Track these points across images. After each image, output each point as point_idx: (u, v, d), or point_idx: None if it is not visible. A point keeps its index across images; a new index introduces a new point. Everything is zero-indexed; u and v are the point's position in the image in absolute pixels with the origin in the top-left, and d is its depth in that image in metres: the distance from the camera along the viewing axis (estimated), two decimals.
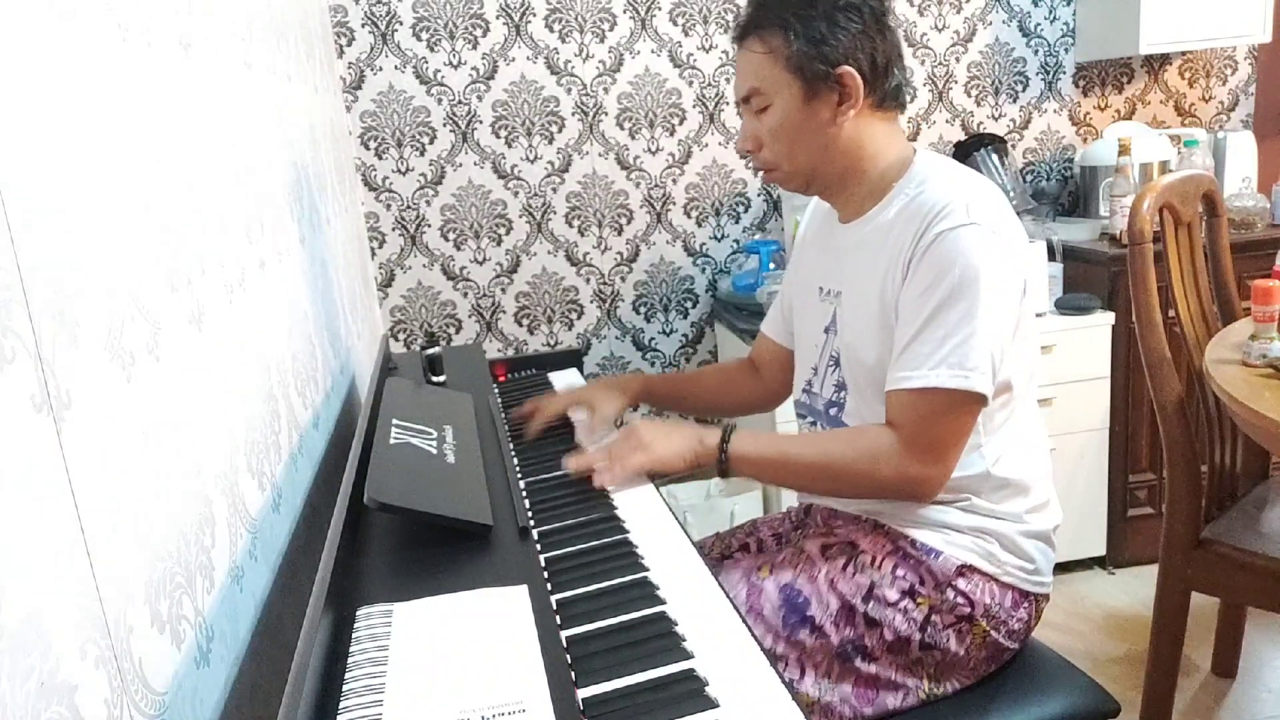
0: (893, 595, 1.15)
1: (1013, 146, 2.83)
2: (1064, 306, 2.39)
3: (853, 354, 1.21)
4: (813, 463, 1.17)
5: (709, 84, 2.65)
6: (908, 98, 1.22)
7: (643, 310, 2.76)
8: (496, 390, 1.63)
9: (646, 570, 0.94)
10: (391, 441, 1.10)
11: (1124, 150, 2.43)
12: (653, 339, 2.78)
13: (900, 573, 1.16)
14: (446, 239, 2.62)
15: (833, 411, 1.27)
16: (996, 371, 1.09)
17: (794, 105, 1.16)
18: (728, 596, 0.89)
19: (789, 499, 1.92)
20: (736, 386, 1.54)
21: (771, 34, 1.16)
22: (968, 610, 1.16)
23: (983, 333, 1.07)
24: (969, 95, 2.80)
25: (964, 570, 1.16)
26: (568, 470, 1.19)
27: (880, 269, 1.16)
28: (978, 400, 1.09)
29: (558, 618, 0.84)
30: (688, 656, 0.78)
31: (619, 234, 2.70)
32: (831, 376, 1.27)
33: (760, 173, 1.27)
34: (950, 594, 1.16)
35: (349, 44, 2.48)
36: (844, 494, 1.27)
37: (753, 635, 0.82)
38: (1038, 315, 2.32)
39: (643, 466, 1.16)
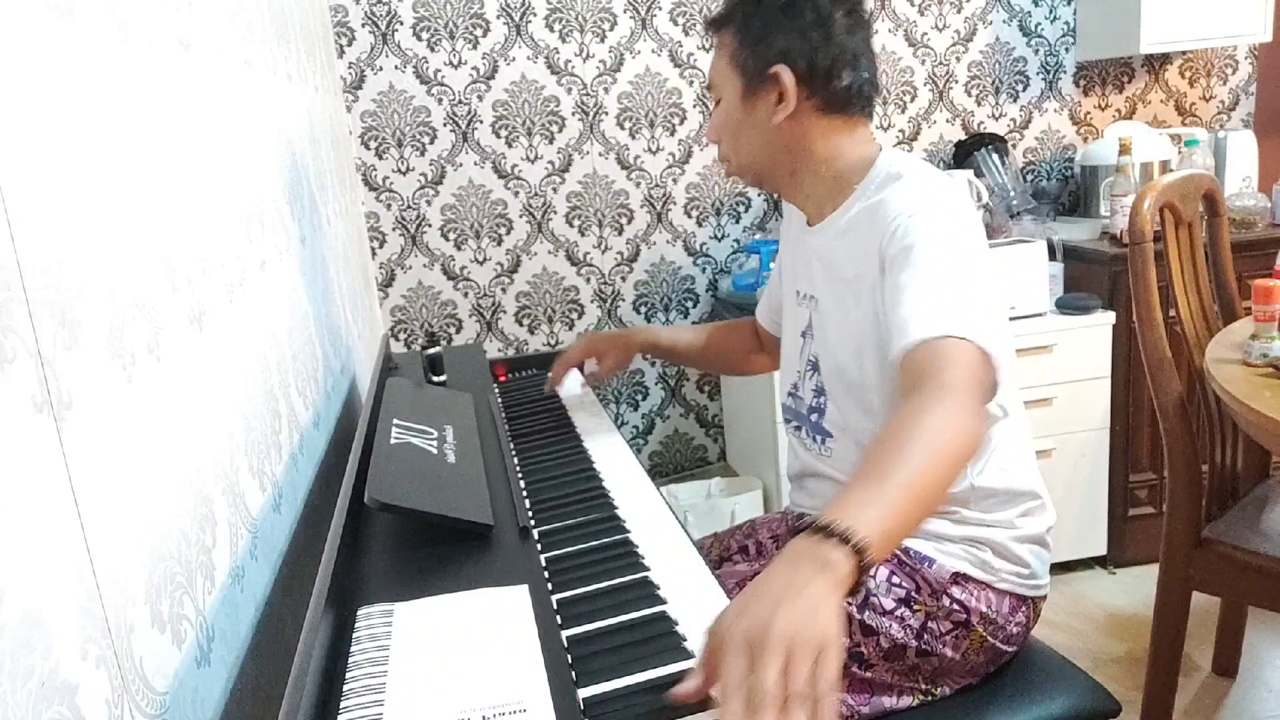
0: (889, 603, 1.14)
1: (1013, 146, 2.83)
2: (1064, 306, 2.39)
3: (830, 360, 1.21)
4: (928, 467, 0.85)
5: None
6: (871, 100, 1.18)
7: (643, 310, 2.76)
8: (497, 390, 1.63)
9: (647, 570, 0.94)
10: (392, 441, 1.10)
11: (1124, 150, 2.43)
12: None
13: (895, 580, 1.15)
14: (447, 239, 2.63)
15: (814, 417, 1.26)
16: (995, 330, 0.99)
17: (734, 101, 1.19)
18: (729, 598, 0.89)
19: (787, 499, 1.92)
20: (740, 349, 1.56)
21: (725, 31, 1.20)
22: (964, 617, 1.15)
23: (972, 286, 1.00)
24: (969, 95, 2.80)
25: (958, 578, 1.15)
26: None
27: (848, 276, 1.15)
28: (985, 357, 0.96)
29: (558, 618, 0.84)
30: (688, 656, 0.78)
31: (619, 234, 2.70)
32: (810, 381, 1.26)
33: (724, 165, 1.29)
34: (946, 601, 1.15)
35: (349, 44, 2.48)
36: (957, 475, 0.95)
37: None
38: (1037, 315, 2.34)
39: (836, 666, 0.68)
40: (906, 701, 1.15)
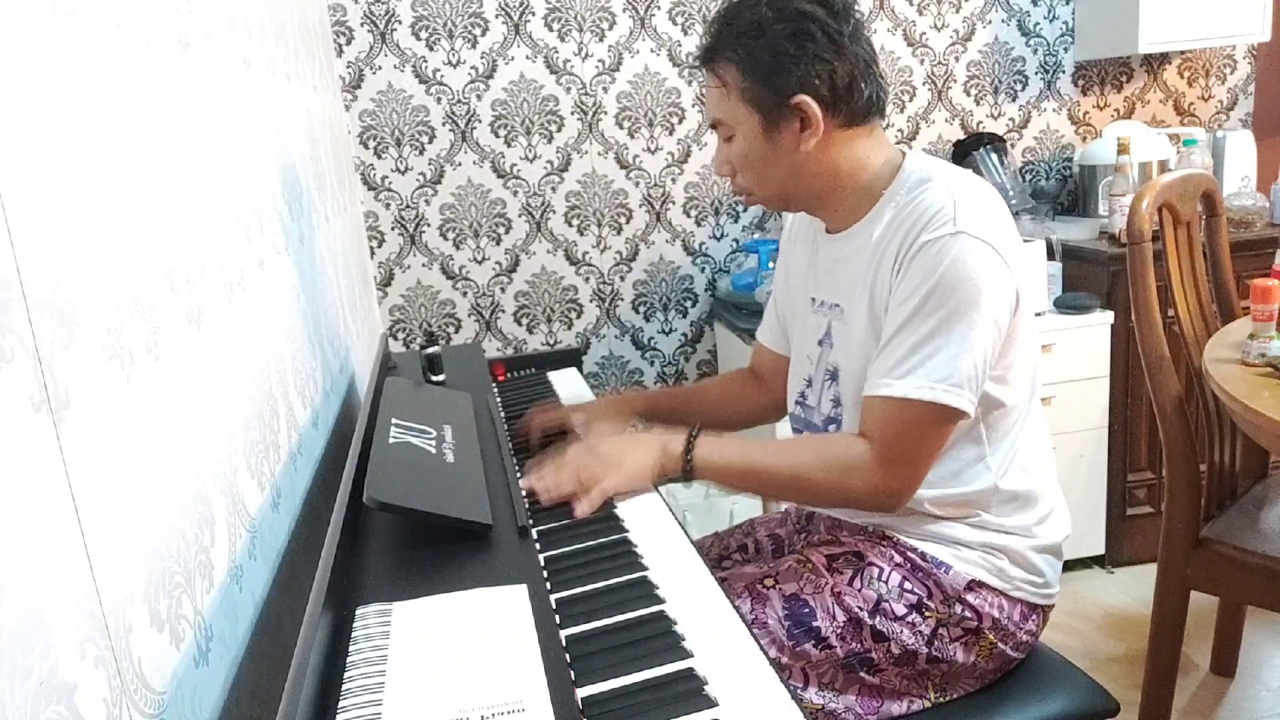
0: (900, 609, 1.14)
1: (1012, 146, 2.83)
2: (1063, 305, 2.39)
3: (851, 368, 1.18)
4: (781, 473, 1.14)
5: None
6: (885, 102, 1.17)
7: (642, 309, 2.76)
8: (496, 390, 1.63)
9: (646, 570, 0.94)
10: (391, 441, 1.10)
11: (1123, 149, 2.43)
12: (652, 338, 2.78)
13: (909, 586, 1.15)
14: (446, 238, 2.62)
15: (831, 428, 1.23)
16: (977, 385, 1.06)
17: (755, 136, 1.14)
18: (730, 600, 0.89)
19: None
20: (741, 399, 1.49)
21: (725, 67, 1.13)
22: (975, 624, 1.15)
23: (958, 345, 1.04)
24: (968, 94, 2.80)
25: (973, 585, 1.15)
26: (539, 500, 1.10)
27: (869, 281, 1.13)
28: (951, 415, 1.06)
29: (557, 617, 0.84)
30: (687, 655, 0.78)
31: (618, 233, 2.70)
32: (829, 391, 1.24)
33: (740, 196, 1.25)
34: (958, 608, 1.14)
35: (348, 43, 2.48)
36: (813, 504, 1.28)
37: (752, 635, 0.82)
38: (1036, 315, 2.33)
39: (617, 488, 1.11)
40: (915, 707, 1.15)
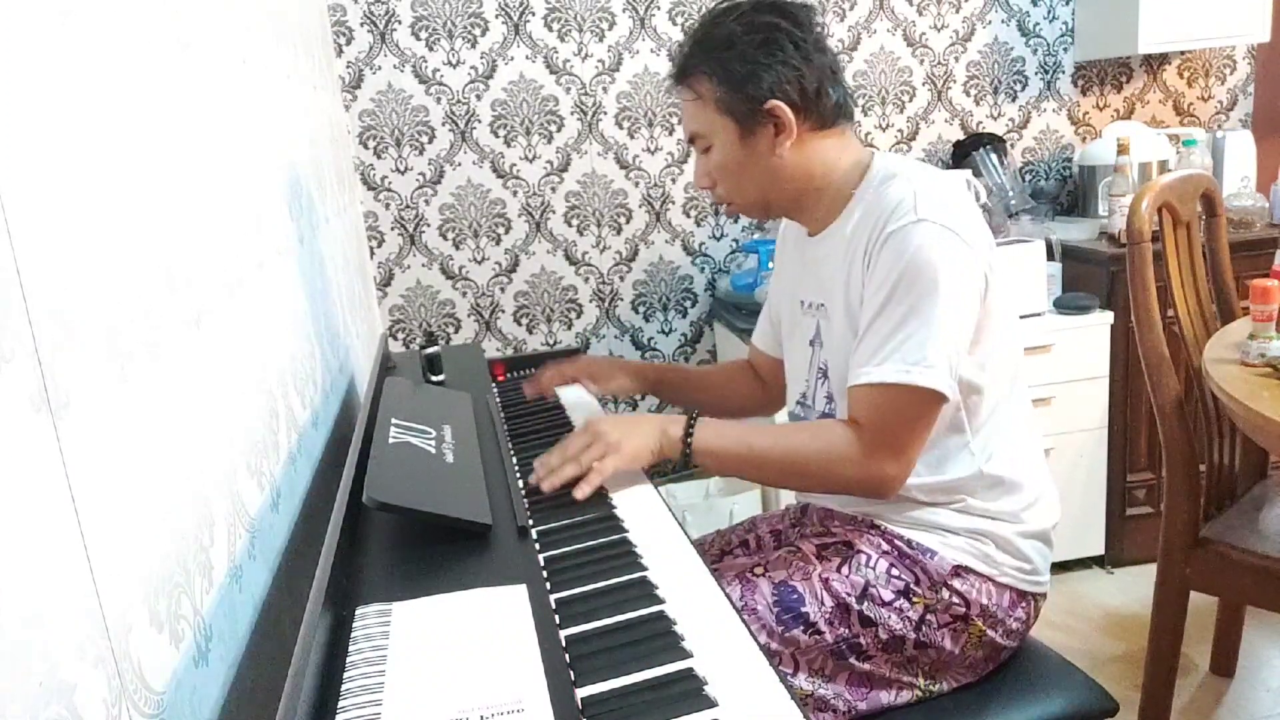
0: (888, 595, 1.15)
1: (1011, 146, 2.83)
2: (1063, 306, 2.39)
3: (838, 365, 1.22)
4: (776, 459, 1.17)
5: None
6: (852, 107, 1.23)
7: (642, 309, 2.76)
8: (495, 390, 1.63)
9: (645, 570, 0.94)
10: (390, 441, 1.10)
11: (1123, 150, 2.43)
12: (652, 338, 2.78)
13: (895, 572, 1.17)
14: (445, 238, 2.62)
15: None
16: (953, 366, 1.09)
17: (732, 144, 1.19)
18: (725, 594, 0.89)
19: (787, 496, 1.93)
20: (740, 390, 1.54)
21: (698, 80, 1.19)
22: (963, 610, 1.16)
23: (929, 328, 1.07)
24: (968, 95, 2.80)
25: (959, 571, 1.17)
26: (541, 488, 1.12)
27: (844, 277, 1.18)
28: (931, 397, 1.08)
29: (556, 617, 0.84)
30: (686, 656, 0.78)
31: (618, 233, 2.70)
32: (822, 389, 1.27)
33: (722, 206, 1.31)
34: (945, 594, 1.16)
35: (348, 43, 2.48)
36: (808, 490, 1.30)
37: (751, 634, 0.82)
38: (1035, 315, 2.34)
39: (617, 469, 1.14)
40: (905, 697, 1.16)
